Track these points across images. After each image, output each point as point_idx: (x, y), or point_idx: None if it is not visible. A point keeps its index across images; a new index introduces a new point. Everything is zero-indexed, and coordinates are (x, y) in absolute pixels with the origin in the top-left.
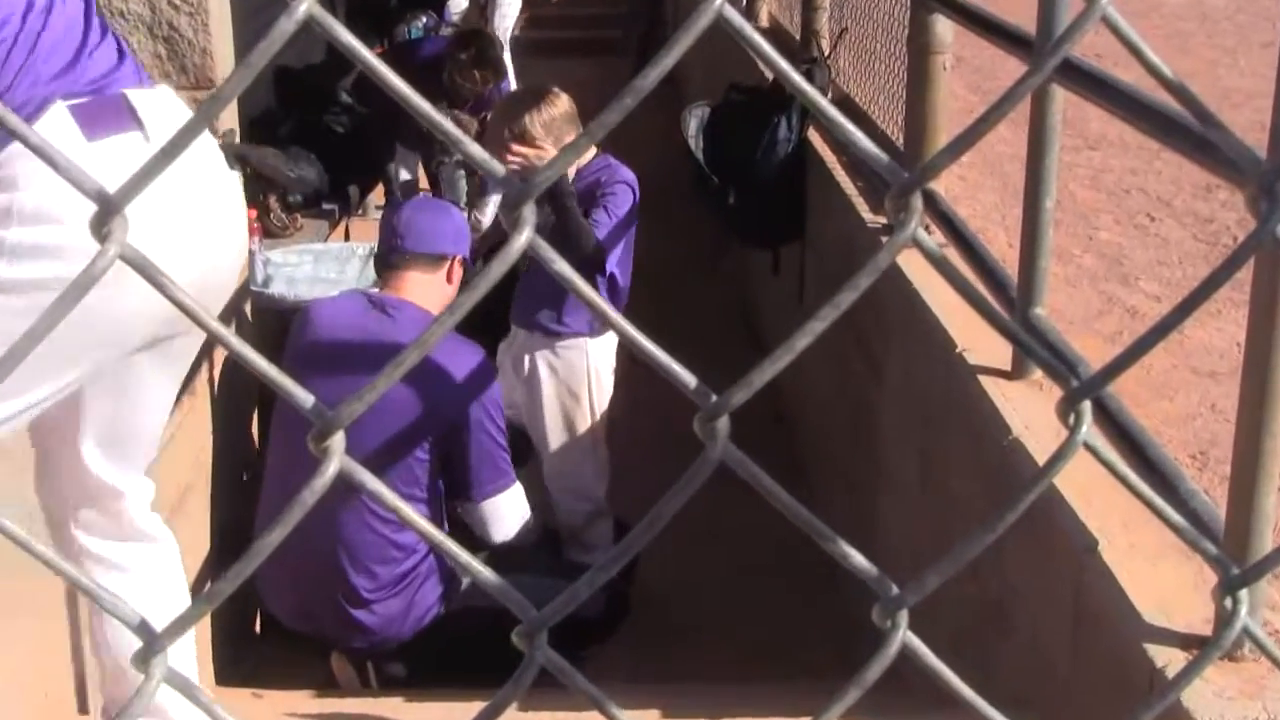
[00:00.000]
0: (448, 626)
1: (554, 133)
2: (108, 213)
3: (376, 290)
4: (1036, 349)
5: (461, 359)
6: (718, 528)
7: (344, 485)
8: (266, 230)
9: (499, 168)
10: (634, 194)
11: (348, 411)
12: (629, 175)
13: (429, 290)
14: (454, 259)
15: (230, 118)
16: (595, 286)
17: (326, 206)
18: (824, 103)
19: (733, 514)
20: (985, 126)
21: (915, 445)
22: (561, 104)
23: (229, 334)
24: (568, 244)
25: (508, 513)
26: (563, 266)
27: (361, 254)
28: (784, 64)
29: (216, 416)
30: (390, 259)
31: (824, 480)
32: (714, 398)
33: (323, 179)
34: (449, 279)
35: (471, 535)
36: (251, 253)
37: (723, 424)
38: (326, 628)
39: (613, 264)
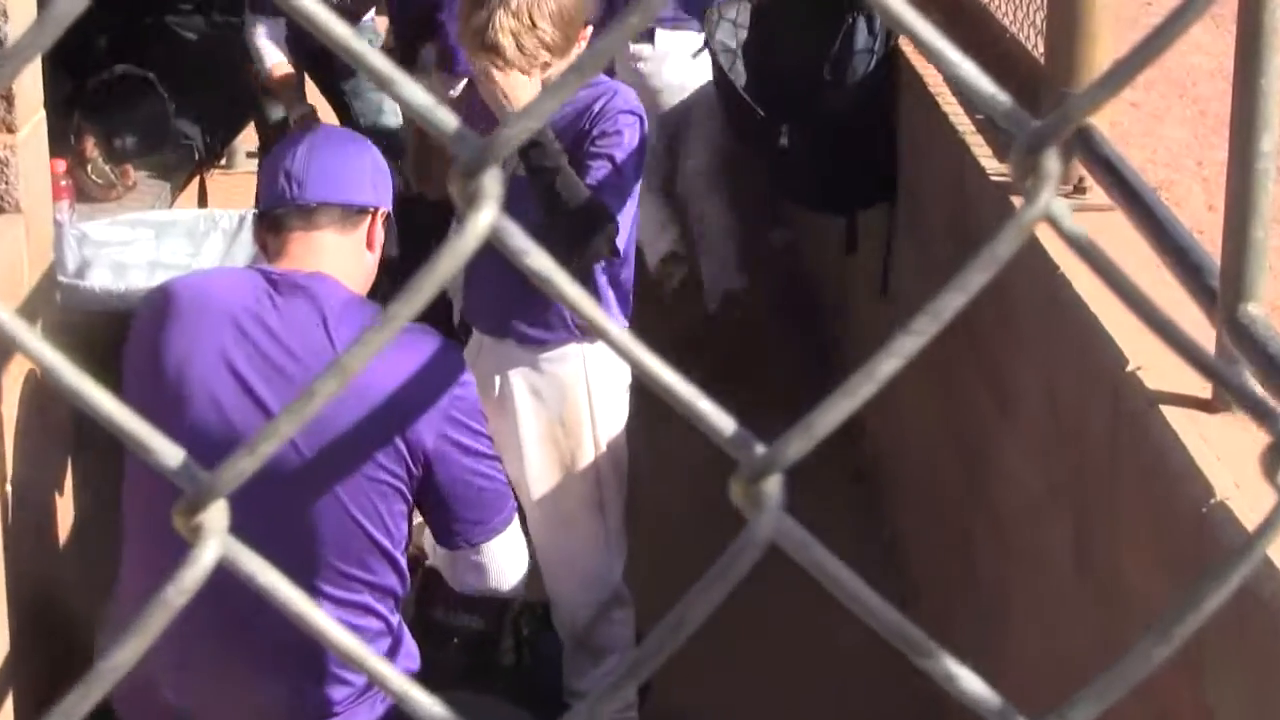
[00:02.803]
0: None
1: (568, 24)
2: None
3: (268, 266)
4: (1236, 379)
5: (417, 352)
6: (765, 626)
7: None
8: (82, 190)
9: (449, 119)
10: (642, 124)
11: (233, 473)
12: (633, 100)
13: (342, 261)
14: (375, 214)
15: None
16: (590, 277)
17: (172, 155)
18: (910, 12)
19: (784, 607)
20: (1165, 40)
21: (1065, 510)
22: None
23: (39, 342)
24: (553, 217)
25: (508, 559)
26: (539, 260)
27: (227, 226)
28: None
29: (16, 460)
30: (282, 219)
31: (924, 565)
32: (760, 449)
33: (165, 113)
34: (369, 243)
35: (445, 590)
36: (58, 225)
37: (773, 488)
38: None
39: (622, 238)
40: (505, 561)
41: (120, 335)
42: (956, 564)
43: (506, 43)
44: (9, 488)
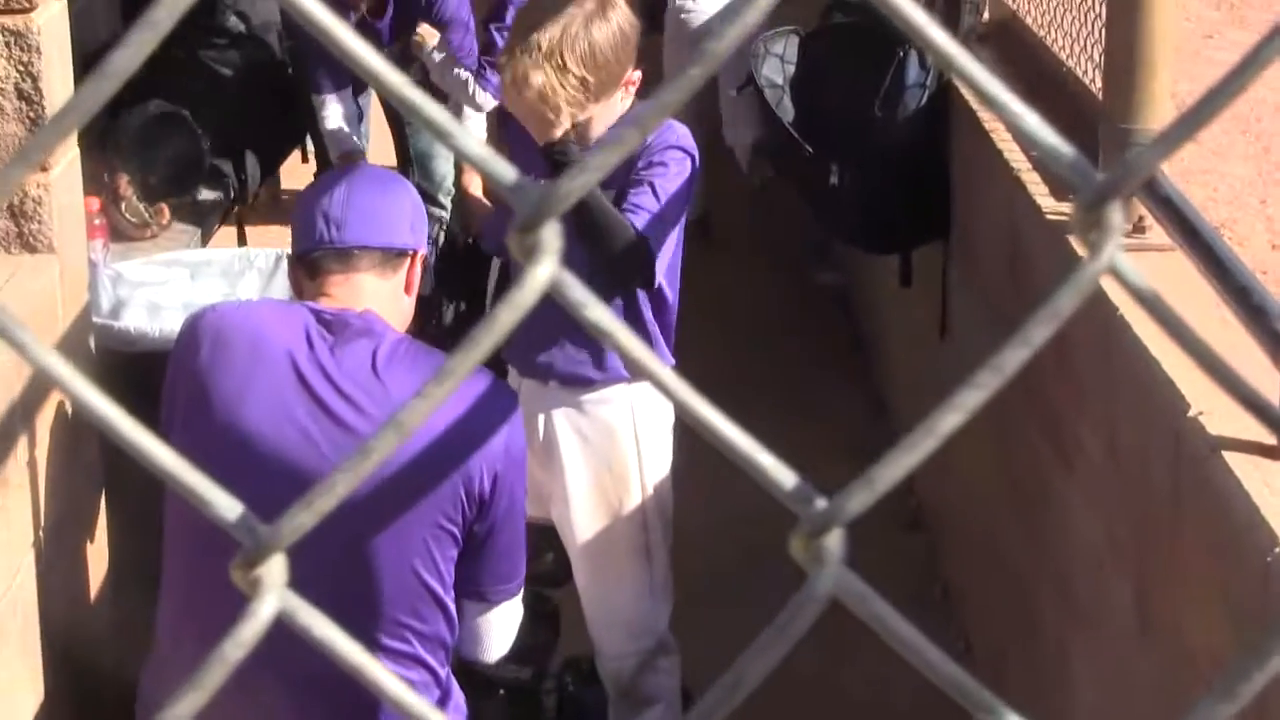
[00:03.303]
0: None
1: (616, 61)
2: None
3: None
4: None
5: (474, 395)
6: (829, 680)
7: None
8: (116, 229)
9: (507, 170)
10: (693, 163)
11: (291, 527)
12: (684, 136)
13: (381, 303)
14: (414, 256)
15: (62, 59)
16: (636, 307)
17: (207, 194)
18: (973, 65)
19: (851, 663)
20: (1235, 88)
21: (1128, 564)
22: (618, 18)
23: (94, 394)
24: (592, 247)
25: (508, 627)
26: (598, 312)
27: (263, 265)
28: (919, 17)
29: (49, 517)
30: (319, 261)
31: (983, 619)
32: (821, 504)
33: (200, 150)
34: (407, 286)
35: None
36: (93, 265)
37: (834, 543)
38: None
39: (663, 272)
40: (507, 626)
41: (154, 376)
42: (1013, 616)
43: (545, 92)
44: (41, 532)
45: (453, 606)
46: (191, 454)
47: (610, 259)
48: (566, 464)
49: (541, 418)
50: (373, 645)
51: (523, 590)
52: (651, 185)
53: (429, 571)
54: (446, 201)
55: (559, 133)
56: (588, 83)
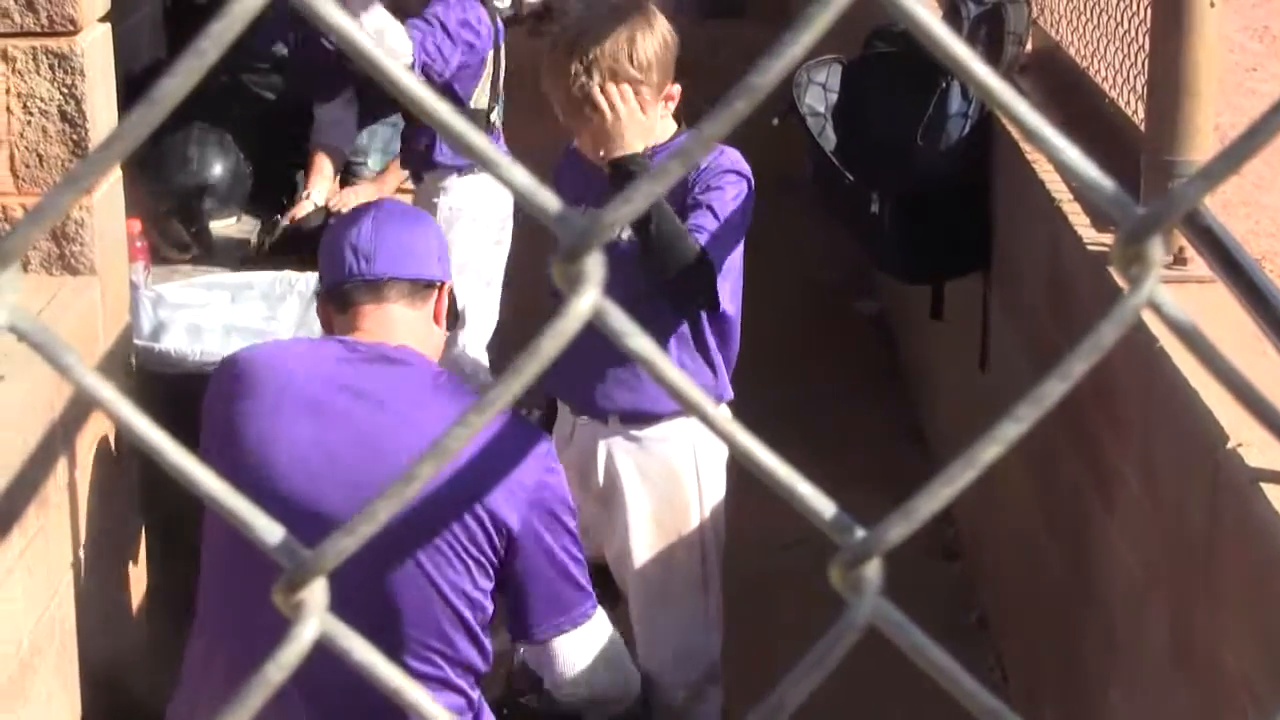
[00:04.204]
0: None
1: (660, 70)
2: None
3: (352, 337)
4: None
5: (509, 436)
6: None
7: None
8: (157, 251)
9: (551, 200)
10: (749, 186)
11: (333, 551)
12: (737, 159)
13: (412, 335)
14: (441, 287)
15: (106, 81)
16: (703, 339)
17: (248, 217)
18: (1016, 100)
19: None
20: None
21: (1165, 596)
22: (662, 29)
23: (141, 420)
24: (657, 264)
25: (578, 658)
26: (640, 341)
27: (303, 289)
28: (964, 53)
29: (87, 537)
30: (350, 294)
31: (1021, 650)
32: (860, 534)
33: (242, 173)
34: (436, 317)
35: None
36: (134, 286)
37: (872, 573)
38: None
39: (725, 295)
40: (575, 658)
41: (194, 397)
42: (1050, 646)
43: (612, 104)
44: (80, 552)
45: (486, 638)
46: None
47: (674, 277)
48: (629, 500)
49: (602, 455)
50: (400, 668)
51: (587, 622)
52: (710, 208)
53: (458, 598)
54: None
55: (629, 147)
56: (641, 93)
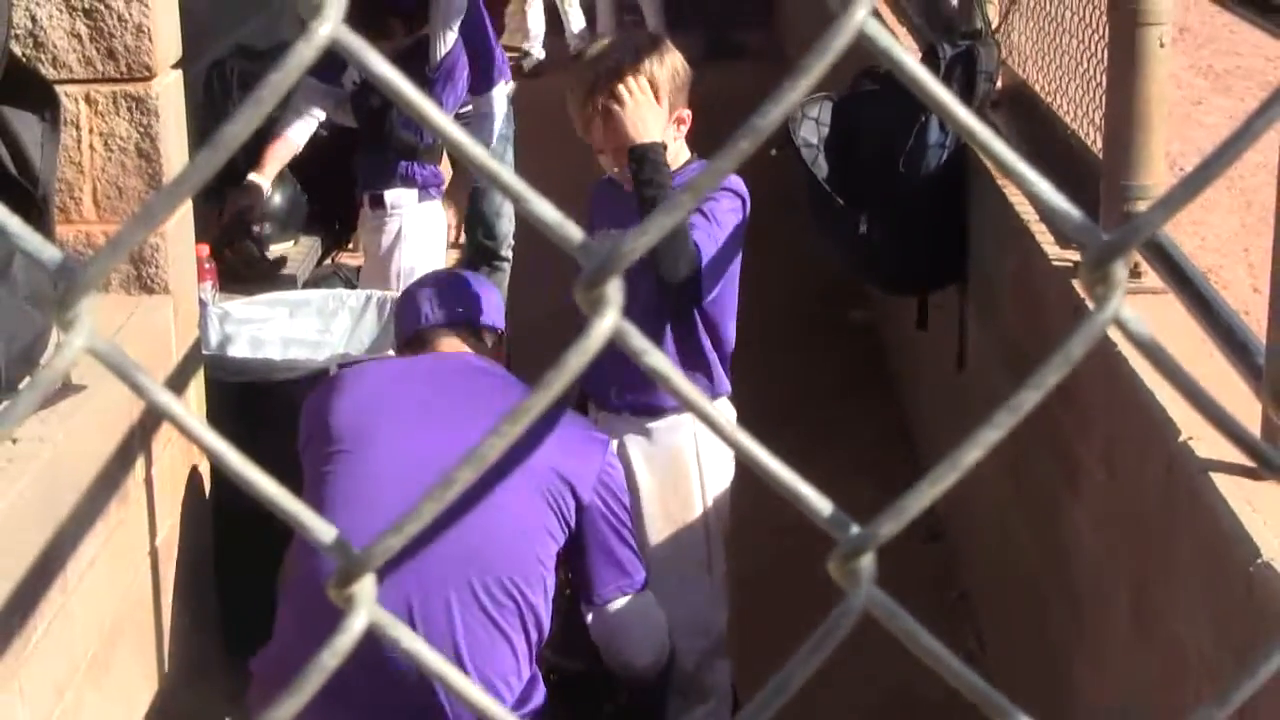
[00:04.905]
0: None
1: (673, 92)
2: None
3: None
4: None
5: (580, 428)
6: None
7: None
8: (230, 271)
9: (575, 231)
10: (744, 206)
11: (381, 549)
12: (736, 182)
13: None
14: (500, 335)
15: (178, 121)
16: (691, 325)
17: (305, 240)
18: (992, 138)
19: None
20: (1225, 160)
21: (1124, 573)
22: (675, 59)
23: (208, 431)
24: (657, 264)
25: (632, 618)
26: (656, 359)
27: (354, 305)
28: (944, 95)
29: (162, 530)
30: (424, 335)
31: (997, 622)
32: (855, 529)
33: (299, 201)
34: (497, 356)
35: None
36: (202, 304)
37: (867, 564)
38: None
39: (710, 297)
40: (631, 620)
41: (257, 403)
42: (1023, 619)
43: (629, 97)
44: (158, 541)
45: (551, 586)
46: (331, 494)
47: (675, 272)
48: (639, 486)
49: (615, 444)
50: (485, 594)
51: (645, 590)
52: (704, 212)
53: (541, 539)
54: (509, 254)
55: (647, 134)
56: (658, 91)
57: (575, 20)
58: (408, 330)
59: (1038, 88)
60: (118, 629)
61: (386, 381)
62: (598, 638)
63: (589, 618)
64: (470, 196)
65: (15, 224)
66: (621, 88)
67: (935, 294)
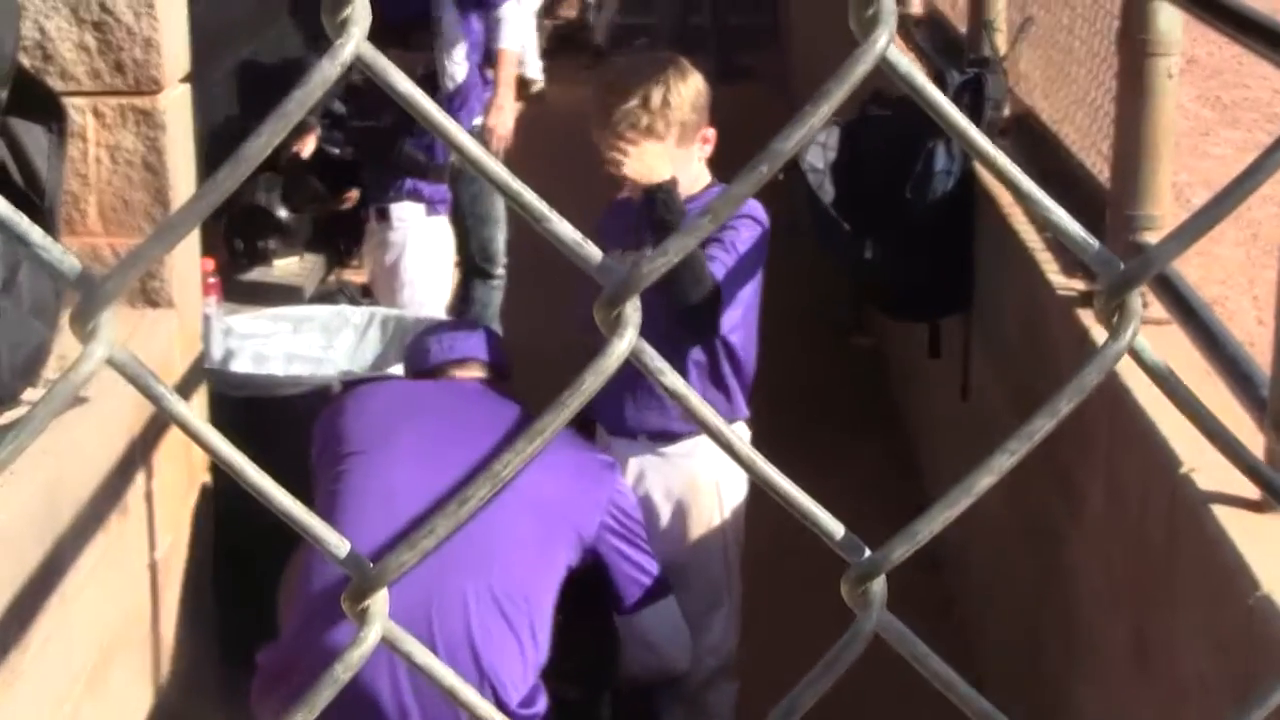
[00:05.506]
0: None
1: (695, 112)
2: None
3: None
4: None
5: (594, 453)
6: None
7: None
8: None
9: (594, 252)
10: (764, 232)
11: (395, 565)
12: (756, 207)
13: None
14: (508, 374)
15: (185, 135)
16: (711, 352)
17: (309, 255)
18: (1010, 165)
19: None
20: (1240, 195)
21: (1126, 606)
22: (695, 79)
23: (224, 444)
24: (676, 287)
25: (659, 623)
26: (673, 379)
27: (358, 322)
28: (964, 124)
29: (162, 543)
30: (437, 368)
31: (990, 650)
32: (867, 553)
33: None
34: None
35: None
36: (206, 318)
37: (878, 588)
38: None
39: (729, 326)
40: (658, 626)
41: (259, 417)
42: (1023, 649)
43: (642, 121)
44: (157, 553)
45: (550, 608)
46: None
47: (687, 299)
48: (656, 510)
49: (633, 471)
50: (501, 593)
51: (668, 599)
52: (721, 242)
53: (547, 560)
54: (503, 271)
55: (653, 177)
56: (675, 128)
57: None
58: (415, 368)
59: (1045, 116)
60: (116, 641)
61: (401, 398)
62: (629, 644)
63: (620, 628)
64: (463, 214)
65: (38, 234)
66: (623, 144)
67: (942, 320)
